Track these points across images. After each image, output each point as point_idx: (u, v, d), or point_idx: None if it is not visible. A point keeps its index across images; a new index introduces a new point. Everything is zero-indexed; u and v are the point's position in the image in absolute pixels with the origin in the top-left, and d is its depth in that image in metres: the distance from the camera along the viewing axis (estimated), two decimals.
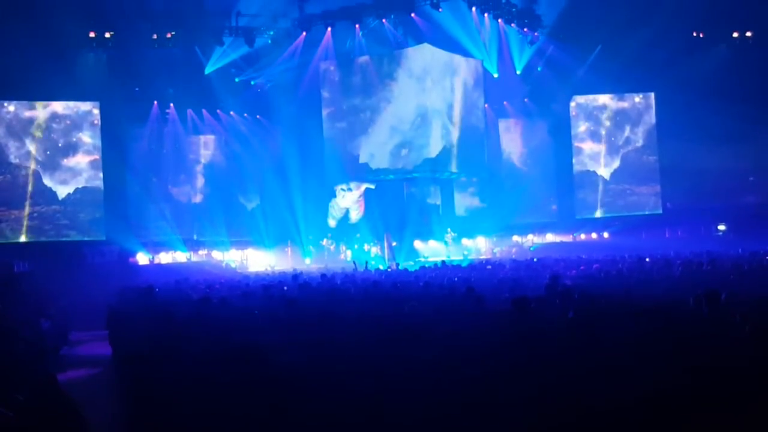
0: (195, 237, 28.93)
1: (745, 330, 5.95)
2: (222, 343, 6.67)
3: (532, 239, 31.16)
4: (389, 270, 20.83)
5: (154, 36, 27.35)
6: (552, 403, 4.44)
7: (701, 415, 4.17)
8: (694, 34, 29.85)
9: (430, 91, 27.93)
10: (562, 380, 4.85)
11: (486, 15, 28.07)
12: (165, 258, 28.19)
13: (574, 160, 31.60)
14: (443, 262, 22.35)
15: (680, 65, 28.33)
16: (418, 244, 28.88)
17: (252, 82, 30.48)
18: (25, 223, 27.22)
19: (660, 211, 31.36)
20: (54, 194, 27.58)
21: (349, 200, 30.67)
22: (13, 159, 27.18)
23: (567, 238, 31.03)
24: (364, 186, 30.28)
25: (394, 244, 28.42)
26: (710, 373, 4.64)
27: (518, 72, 30.12)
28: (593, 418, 4.25)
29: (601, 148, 31.79)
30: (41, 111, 27.68)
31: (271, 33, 28.49)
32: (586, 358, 5.44)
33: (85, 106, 28.10)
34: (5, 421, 5.14)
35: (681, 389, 4.42)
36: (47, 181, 27.50)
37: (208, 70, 28.39)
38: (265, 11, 28.14)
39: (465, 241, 30.09)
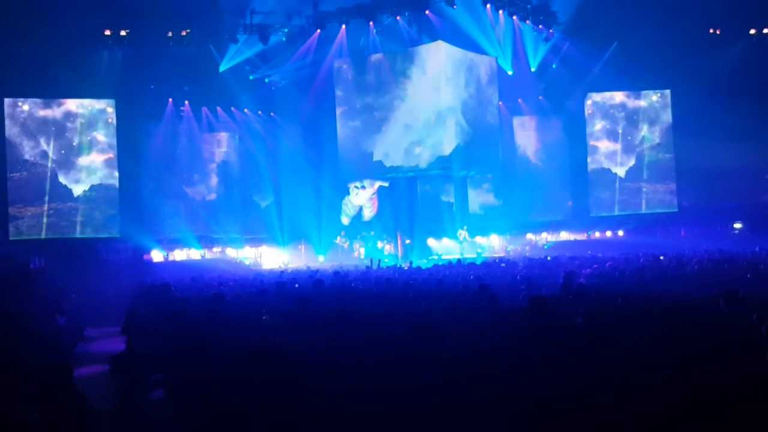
0: (214, 236, 29.04)
1: (762, 330, 5.89)
2: (235, 341, 6.68)
3: (546, 237, 31.07)
4: (403, 268, 20.82)
5: (169, 34, 27.45)
6: (567, 403, 4.41)
7: (717, 415, 4.13)
8: (711, 31, 29.61)
9: (444, 88, 27.83)
10: (577, 379, 4.82)
11: (501, 12, 27.99)
12: (179, 255, 28.31)
13: (589, 159, 31.46)
14: (457, 260, 22.34)
15: (697, 62, 28.07)
16: (431, 242, 28.86)
17: (266, 80, 30.59)
18: (42, 220, 27.41)
19: (676, 210, 31.15)
20: (69, 192, 27.76)
21: (362, 198, 30.70)
22: (29, 157, 27.37)
23: (581, 237, 30.91)
24: (377, 184, 30.29)
25: (407, 242, 28.44)
26: (726, 372, 4.60)
27: (533, 69, 30.02)
28: (608, 417, 4.22)
29: (617, 146, 31.62)
30: (55, 110, 27.84)
31: (286, 31, 28.52)
32: (600, 357, 5.41)
33: (99, 104, 28.25)
34: (23, 418, 5.16)
35: (696, 389, 4.38)
36: (63, 179, 27.67)
37: (222, 67, 28.49)
38: (280, 9, 28.18)
39: (479, 239, 30.03)
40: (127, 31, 26.99)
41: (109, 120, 28.27)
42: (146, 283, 16.72)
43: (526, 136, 32.21)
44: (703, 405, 4.21)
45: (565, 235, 31.23)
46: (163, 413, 5.05)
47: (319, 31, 28.24)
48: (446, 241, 29.06)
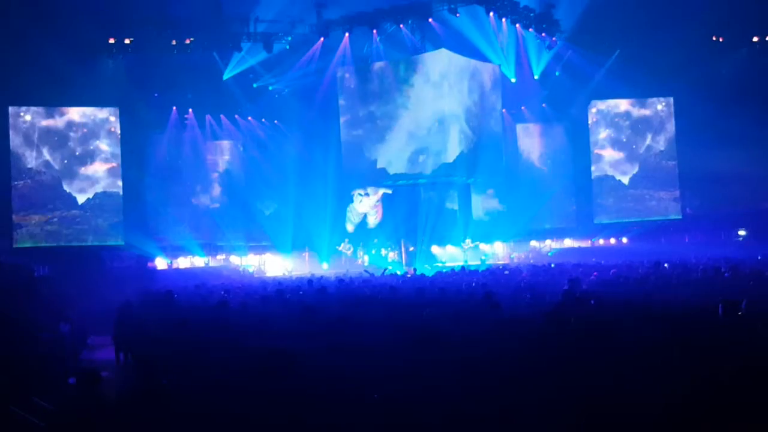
0: (218, 243, 29.07)
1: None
2: (239, 349, 6.69)
3: (549, 244, 31.02)
4: (406, 275, 20.78)
5: (173, 42, 27.48)
6: (568, 410, 4.41)
7: (718, 422, 4.13)
8: (714, 39, 29.59)
9: (448, 96, 27.89)
10: (579, 386, 4.82)
11: (504, 20, 28.00)
12: (183, 263, 28.33)
13: (593, 167, 31.41)
14: (461, 267, 22.31)
15: (700, 70, 28.07)
16: (435, 249, 28.83)
17: (270, 88, 30.61)
18: (46, 228, 27.46)
19: (679, 217, 31.09)
20: (73, 199, 27.82)
21: (366, 205, 30.68)
22: (32, 166, 27.42)
23: (585, 244, 30.87)
24: (381, 191, 30.29)
25: (411, 249, 28.40)
26: (730, 380, 4.60)
27: (536, 77, 30.03)
28: (610, 424, 4.22)
29: (621, 154, 31.56)
30: (58, 119, 27.89)
31: (289, 39, 28.57)
32: (603, 364, 5.40)
33: (102, 113, 28.31)
34: (28, 426, 5.18)
35: (701, 397, 4.38)
36: (66, 187, 27.74)
37: (226, 75, 28.56)
38: (284, 17, 28.20)
39: (482, 246, 29.96)
40: (131, 39, 27.05)
41: (112, 129, 28.31)
42: (149, 291, 16.72)
43: (530, 143, 32.16)
44: (707, 412, 4.21)
45: (569, 242, 31.19)
46: (165, 420, 5.05)
47: (322, 39, 28.29)
48: (450, 248, 29.02)
